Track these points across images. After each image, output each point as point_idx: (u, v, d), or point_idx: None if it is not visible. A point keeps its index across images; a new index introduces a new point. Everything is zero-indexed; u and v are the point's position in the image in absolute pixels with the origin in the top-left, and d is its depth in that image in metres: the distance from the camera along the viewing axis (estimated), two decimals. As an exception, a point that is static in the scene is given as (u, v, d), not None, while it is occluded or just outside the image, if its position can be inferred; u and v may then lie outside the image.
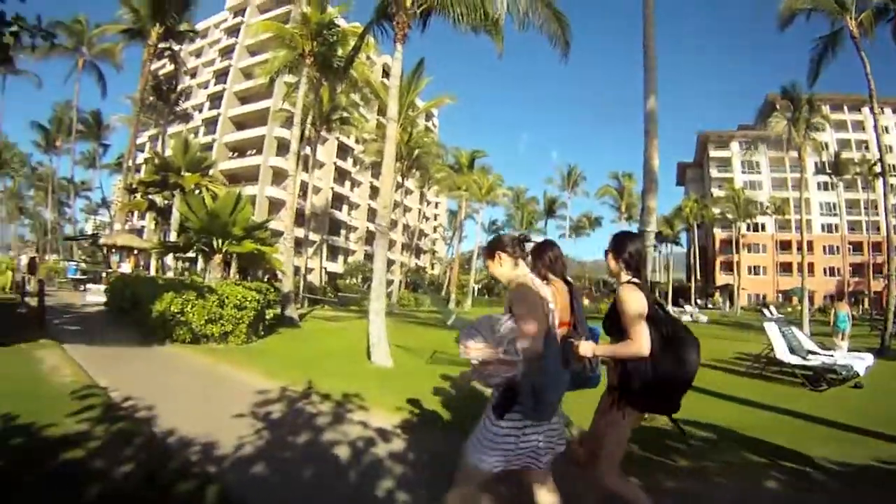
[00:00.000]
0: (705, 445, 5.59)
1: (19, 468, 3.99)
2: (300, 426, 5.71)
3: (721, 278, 74.78)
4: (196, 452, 4.69)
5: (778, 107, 32.05)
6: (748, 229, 70.96)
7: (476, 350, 2.66)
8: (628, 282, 3.13)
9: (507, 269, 3.01)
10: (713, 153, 79.78)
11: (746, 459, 5.20)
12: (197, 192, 29.46)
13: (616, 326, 3.09)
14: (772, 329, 11.09)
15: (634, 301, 2.96)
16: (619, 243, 3.28)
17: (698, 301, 65.69)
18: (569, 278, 3.66)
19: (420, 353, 11.86)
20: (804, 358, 10.60)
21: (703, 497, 4.32)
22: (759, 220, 70.61)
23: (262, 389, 7.27)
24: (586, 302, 59.09)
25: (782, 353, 10.62)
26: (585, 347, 3.12)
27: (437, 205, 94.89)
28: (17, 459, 4.17)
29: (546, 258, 3.67)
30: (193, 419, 5.55)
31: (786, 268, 69.86)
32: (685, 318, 32.76)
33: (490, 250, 3.10)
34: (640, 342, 2.88)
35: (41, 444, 4.54)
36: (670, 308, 41.78)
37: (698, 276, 73.48)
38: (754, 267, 74.47)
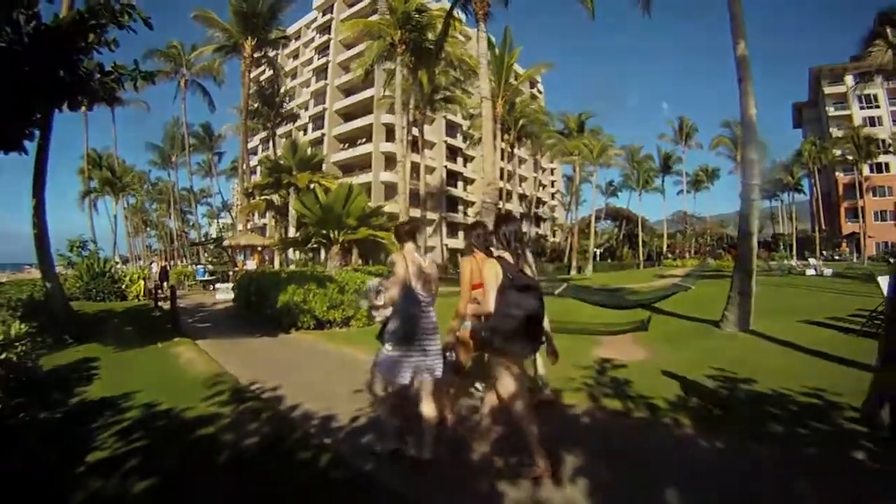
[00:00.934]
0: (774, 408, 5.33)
1: (161, 443, 4.65)
2: (412, 399, 5.93)
3: (847, 226, 66.70)
4: (315, 425, 5.15)
5: (890, 33, 29.07)
6: (871, 170, 63.69)
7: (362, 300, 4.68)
8: (496, 256, 3.99)
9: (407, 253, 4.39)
10: (828, 90, 71.00)
11: (819, 425, 4.83)
12: (312, 186, 30.58)
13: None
14: (886, 282, 10.15)
15: (489, 272, 3.81)
16: (496, 224, 4.23)
17: (824, 252, 59.41)
18: (492, 250, 4.52)
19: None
20: None
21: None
22: (883, 158, 62.48)
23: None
24: (710, 260, 57.08)
25: None
26: (464, 307, 4.46)
27: (552, 171, 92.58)
28: (159, 436, 4.83)
29: (471, 235, 4.83)
30: (314, 396, 5.97)
31: (915, 211, 62.59)
32: (809, 272, 30.79)
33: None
34: (487, 302, 3.77)
35: (179, 424, 5.21)
36: (794, 262, 39.42)
37: (823, 226, 66.86)
38: (881, 212, 65.36)
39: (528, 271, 3.98)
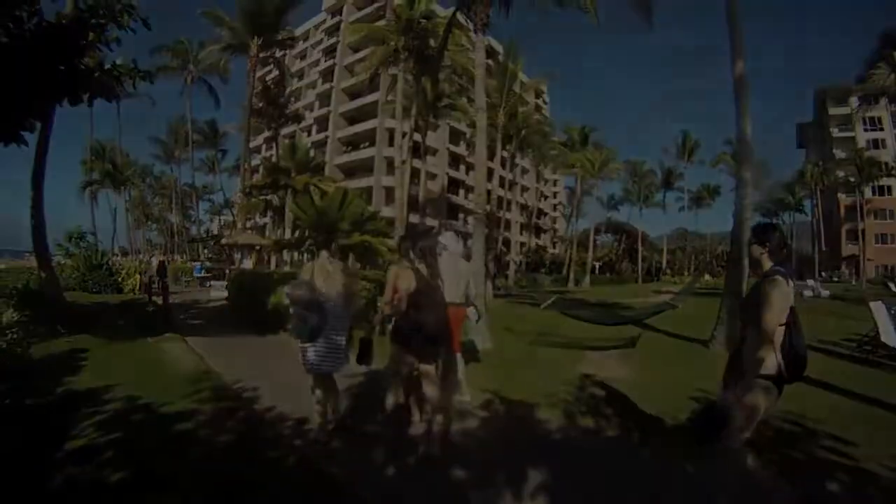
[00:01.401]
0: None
1: (136, 437, 4.78)
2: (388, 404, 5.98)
3: (847, 248, 67.11)
4: (288, 427, 5.29)
5: (896, 56, 28.65)
6: (873, 193, 62.93)
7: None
8: (413, 267, 4.61)
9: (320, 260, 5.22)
10: (832, 111, 70.32)
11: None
12: (313, 188, 30.71)
13: None
14: (878, 308, 9.85)
15: (401, 280, 4.56)
16: (413, 240, 4.85)
17: (822, 273, 59.52)
18: (417, 266, 4.88)
19: (525, 335, 11.84)
20: None
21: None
22: (886, 181, 61.15)
23: (361, 371, 7.64)
24: (706, 276, 57.01)
25: (887, 334, 9.34)
26: (383, 306, 5.12)
27: (555, 182, 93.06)
28: (135, 430, 4.96)
29: (399, 247, 5.20)
30: (293, 398, 5.98)
31: (916, 236, 62.04)
32: (806, 293, 30.61)
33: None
34: (399, 305, 4.50)
35: (157, 419, 5.33)
36: (792, 282, 39.37)
37: (823, 247, 66.99)
38: (882, 235, 65.34)
39: (438, 282, 4.67)
